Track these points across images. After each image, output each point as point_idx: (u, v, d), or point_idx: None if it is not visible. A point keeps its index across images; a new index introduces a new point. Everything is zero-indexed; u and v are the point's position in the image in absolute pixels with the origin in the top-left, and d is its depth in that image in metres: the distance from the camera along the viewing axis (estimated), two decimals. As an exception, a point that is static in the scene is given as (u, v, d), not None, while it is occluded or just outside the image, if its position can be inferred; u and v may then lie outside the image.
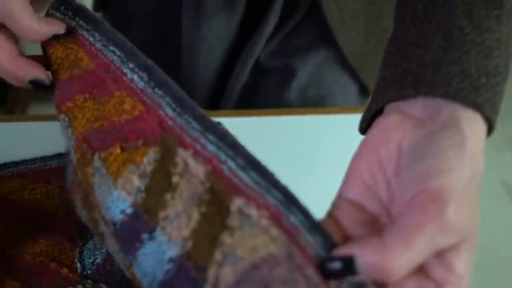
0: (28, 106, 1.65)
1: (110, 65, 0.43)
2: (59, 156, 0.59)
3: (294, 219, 0.34)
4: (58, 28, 0.44)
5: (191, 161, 0.38)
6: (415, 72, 0.38)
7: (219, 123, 0.58)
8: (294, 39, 0.75)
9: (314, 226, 0.34)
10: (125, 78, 0.42)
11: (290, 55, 0.75)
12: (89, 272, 0.51)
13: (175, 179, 0.37)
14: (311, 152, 0.63)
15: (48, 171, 0.58)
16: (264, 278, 0.32)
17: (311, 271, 0.32)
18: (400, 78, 0.39)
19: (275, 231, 0.34)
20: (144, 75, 0.42)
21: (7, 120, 0.64)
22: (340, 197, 0.37)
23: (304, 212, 0.34)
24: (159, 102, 0.40)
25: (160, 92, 0.41)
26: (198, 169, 0.37)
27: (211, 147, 0.38)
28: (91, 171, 0.39)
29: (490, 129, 0.38)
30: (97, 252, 0.52)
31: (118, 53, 0.43)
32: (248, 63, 0.74)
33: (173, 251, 0.35)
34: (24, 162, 0.58)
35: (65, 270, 0.50)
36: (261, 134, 0.64)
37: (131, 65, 0.42)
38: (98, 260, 0.51)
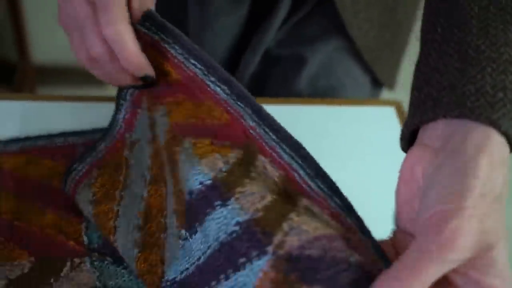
0: (35, 89, 1.66)
1: (193, 77, 0.47)
2: (64, 134, 0.60)
3: (350, 221, 0.39)
4: (151, 70, 0.48)
5: (268, 166, 0.43)
6: (434, 96, 0.40)
7: None
8: (305, 28, 0.74)
9: (366, 229, 0.39)
10: (209, 89, 0.46)
11: (300, 44, 0.75)
12: (95, 245, 0.51)
13: (253, 174, 0.42)
14: (318, 142, 0.63)
15: (54, 148, 0.58)
16: (324, 246, 0.37)
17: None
18: (422, 103, 0.40)
19: (334, 223, 0.39)
20: (226, 88, 0.46)
21: (15, 98, 0.64)
22: (396, 228, 0.40)
23: (358, 219, 0.39)
24: (241, 113, 0.45)
25: (241, 104, 0.45)
26: (273, 173, 0.42)
27: (285, 156, 0.42)
28: (179, 149, 0.45)
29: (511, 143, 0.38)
30: (103, 227, 0.53)
31: (199, 66, 0.47)
32: (258, 51, 0.73)
33: (241, 217, 0.39)
34: (30, 138, 0.59)
35: (72, 242, 0.51)
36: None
37: (213, 78, 0.46)
38: (104, 235, 0.52)
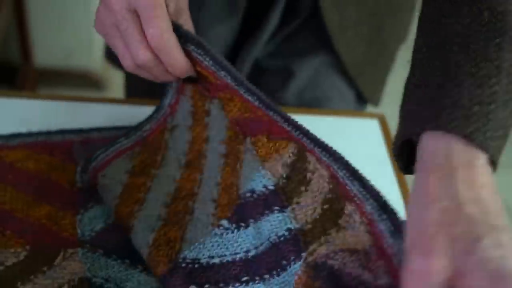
0: (36, 91, 1.69)
1: (228, 84, 0.51)
2: (62, 132, 0.63)
3: (382, 226, 0.41)
4: (193, 72, 0.52)
5: (317, 164, 0.46)
6: (414, 111, 0.41)
7: None
8: (294, 42, 0.76)
9: (396, 231, 0.41)
10: (244, 97, 0.51)
11: (289, 57, 0.77)
12: (87, 238, 0.54)
13: (309, 175, 0.46)
14: None
15: (52, 144, 0.62)
16: (345, 258, 0.42)
17: (379, 265, 0.40)
18: (404, 118, 0.43)
19: (366, 236, 0.42)
20: (255, 98, 0.50)
21: (17, 96, 0.67)
22: None
23: (392, 218, 0.41)
24: (275, 118, 0.49)
25: (271, 112, 0.49)
26: (324, 171, 0.46)
27: (325, 158, 0.46)
28: (243, 149, 0.50)
29: (492, 156, 0.39)
30: (96, 221, 0.56)
31: (229, 78, 0.51)
32: (247, 62, 0.75)
33: (293, 225, 0.45)
34: (30, 134, 0.62)
35: (66, 234, 0.54)
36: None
37: (243, 90, 0.51)
38: (97, 229, 0.55)
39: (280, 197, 0.47)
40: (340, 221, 0.44)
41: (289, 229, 0.46)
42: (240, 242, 0.48)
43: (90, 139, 0.62)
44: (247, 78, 0.77)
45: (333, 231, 0.44)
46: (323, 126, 0.67)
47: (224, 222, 0.49)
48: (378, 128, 0.69)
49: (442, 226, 0.35)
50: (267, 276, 0.46)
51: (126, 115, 0.65)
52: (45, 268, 0.52)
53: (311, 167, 0.46)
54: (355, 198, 0.43)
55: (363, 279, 0.40)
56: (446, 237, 0.34)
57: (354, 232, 0.42)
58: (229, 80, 0.51)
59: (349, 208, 0.44)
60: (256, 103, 0.50)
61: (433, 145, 0.39)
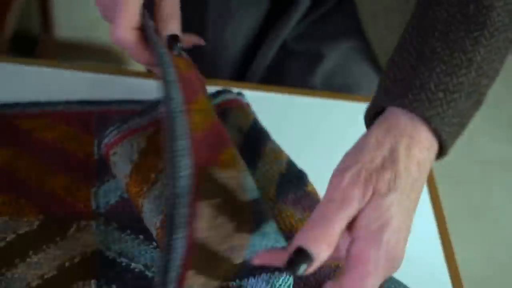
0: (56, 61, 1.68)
1: None
2: (81, 102, 0.62)
3: None
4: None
5: None
6: (388, 86, 0.45)
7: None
8: (324, 25, 0.75)
9: None
10: None
11: (318, 41, 0.76)
12: (102, 211, 0.53)
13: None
14: (327, 135, 0.64)
15: (71, 115, 0.60)
16: None
17: None
18: (379, 90, 0.46)
19: None
20: None
21: (37, 64, 0.66)
22: None
23: None
24: None
25: None
26: None
27: None
28: None
29: (441, 141, 0.43)
30: (111, 195, 0.55)
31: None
32: (275, 44, 0.74)
33: None
34: (48, 103, 0.61)
35: (80, 205, 0.53)
36: (281, 111, 0.65)
37: None
38: (112, 202, 0.54)
39: None
40: None
41: None
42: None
43: (109, 112, 0.61)
44: (273, 61, 0.78)
45: None
46: (350, 112, 0.67)
47: None
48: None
49: (375, 171, 0.40)
50: None
51: (147, 88, 0.63)
52: (57, 239, 0.51)
53: None
54: None
55: None
56: (365, 183, 0.39)
57: None
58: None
59: None
60: None
61: (395, 117, 0.42)
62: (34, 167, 0.55)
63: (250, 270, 0.45)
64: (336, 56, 0.75)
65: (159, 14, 0.53)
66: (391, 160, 0.40)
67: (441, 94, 0.42)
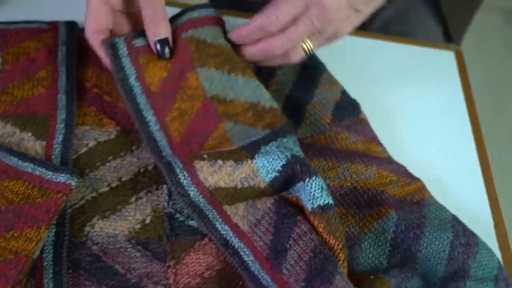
0: None
1: None
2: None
3: None
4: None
5: None
6: None
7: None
8: None
9: None
10: None
11: None
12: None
13: None
14: (378, 74, 0.67)
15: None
16: None
17: None
18: None
19: None
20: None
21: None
22: None
23: None
24: None
25: None
26: None
27: None
28: None
29: None
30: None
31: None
32: None
33: None
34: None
35: (152, 121, 0.58)
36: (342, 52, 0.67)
37: None
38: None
39: None
40: None
41: None
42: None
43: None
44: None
45: None
46: (399, 54, 0.70)
47: None
48: (454, 61, 0.71)
49: None
50: None
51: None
52: (133, 147, 0.56)
53: None
54: None
55: None
56: None
57: None
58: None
59: None
60: None
61: None
62: (108, 84, 0.60)
63: (285, 183, 0.50)
64: (396, 3, 0.77)
65: (145, 18, 0.54)
66: None
67: None
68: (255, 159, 0.50)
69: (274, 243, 0.46)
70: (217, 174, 0.49)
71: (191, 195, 0.49)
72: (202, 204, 0.49)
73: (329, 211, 0.46)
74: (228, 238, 0.48)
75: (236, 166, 0.50)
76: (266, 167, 0.50)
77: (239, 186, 0.50)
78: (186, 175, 0.49)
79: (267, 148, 0.51)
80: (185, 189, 0.49)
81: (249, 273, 0.46)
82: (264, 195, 0.50)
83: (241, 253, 0.47)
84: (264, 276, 0.45)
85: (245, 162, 0.50)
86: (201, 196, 0.49)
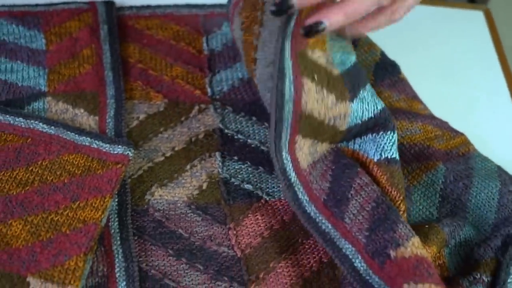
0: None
1: None
2: (189, 6, 0.67)
3: None
4: None
5: None
6: None
7: None
8: None
9: None
10: None
11: None
12: (217, 96, 0.60)
13: None
14: (405, 37, 0.68)
15: (179, 17, 0.66)
16: None
17: None
18: None
19: None
20: None
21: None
22: None
23: None
24: None
25: None
26: None
27: None
28: None
29: None
30: (223, 83, 0.61)
31: None
32: None
33: None
34: (159, 6, 0.67)
35: (198, 92, 0.60)
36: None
37: None
38: (225, 90, 0.60)
39: None
40: None
41: None
42: None
43: (213, 14, 0.67)
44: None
45: None
46: (428, 15, 0.71)
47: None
48: (484, 20, 0.72)
49: None
50: None
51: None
52: (182, 118, 0.58)
53: None
54: None
55: None
56: None
57: None
58: None
59: None
60: None
61: None
62: (153, 59, 0.62)
63: (355, 133, 0.51)
64: None
65: None
66: None
67: None
68: (353, 102, 0.50)
69: (333, 191, 0.47)
70: (318, 104, 0.49)
71: None
72: None
73: (395, 164, 0.47)
74: (287, 169, 0.49)
75: (336, 104, 0.50)
76: (357, 112, 0.50)
77: (326, 122, 0.49)
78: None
79: (364, 94, 0.51)
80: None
81: (304, 212, 0.47)
82: (331, 140, 0.51)
83: (296, 189, 0.48)
84: (323, 221, 0.47)
85: (344, 102, 0.50)
86: None
